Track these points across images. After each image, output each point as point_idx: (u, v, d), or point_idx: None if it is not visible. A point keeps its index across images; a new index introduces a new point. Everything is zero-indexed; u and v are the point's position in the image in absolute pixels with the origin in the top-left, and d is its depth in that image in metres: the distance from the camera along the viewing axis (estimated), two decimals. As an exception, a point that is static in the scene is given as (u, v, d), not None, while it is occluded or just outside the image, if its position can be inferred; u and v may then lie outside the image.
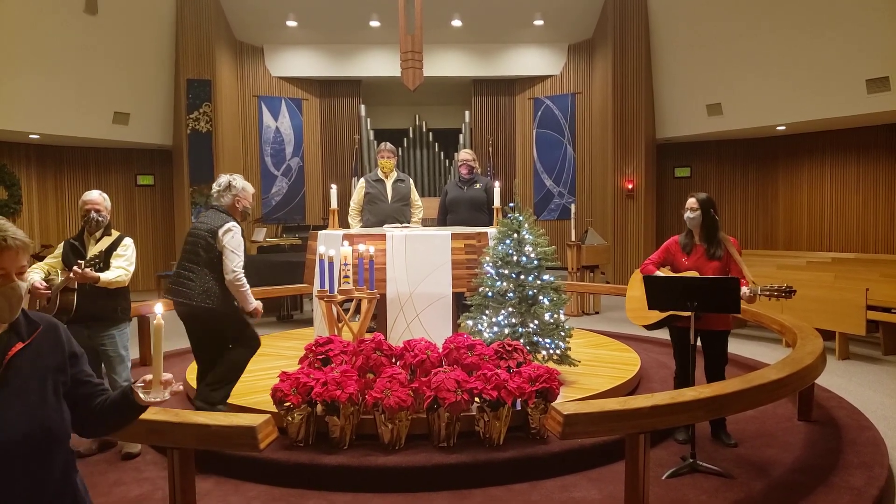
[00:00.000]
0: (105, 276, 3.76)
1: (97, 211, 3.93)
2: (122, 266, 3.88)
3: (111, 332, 3.94)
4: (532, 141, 12.71)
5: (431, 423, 3.69)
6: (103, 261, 3.85)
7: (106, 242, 3.94)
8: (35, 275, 3.81)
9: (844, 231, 10.71)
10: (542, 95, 12.60)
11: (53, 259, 3.94)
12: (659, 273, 4.05)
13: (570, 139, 12.46)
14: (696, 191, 4.20)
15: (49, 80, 9.31)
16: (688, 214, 4.03)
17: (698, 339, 3.98)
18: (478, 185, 6.44)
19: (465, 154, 6.57)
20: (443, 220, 6.59)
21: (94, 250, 3.88)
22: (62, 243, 4.01)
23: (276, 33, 11.86)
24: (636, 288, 4.23)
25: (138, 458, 3.91)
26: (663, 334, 4.38)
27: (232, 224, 3.97)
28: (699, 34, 10.32)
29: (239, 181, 4.11)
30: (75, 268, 3.61)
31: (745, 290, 3.74)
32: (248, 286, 3.97)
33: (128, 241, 4.01)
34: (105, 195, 4.07)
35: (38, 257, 10.15)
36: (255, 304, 4.02)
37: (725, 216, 12.00)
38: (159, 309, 1.78)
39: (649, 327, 4.16)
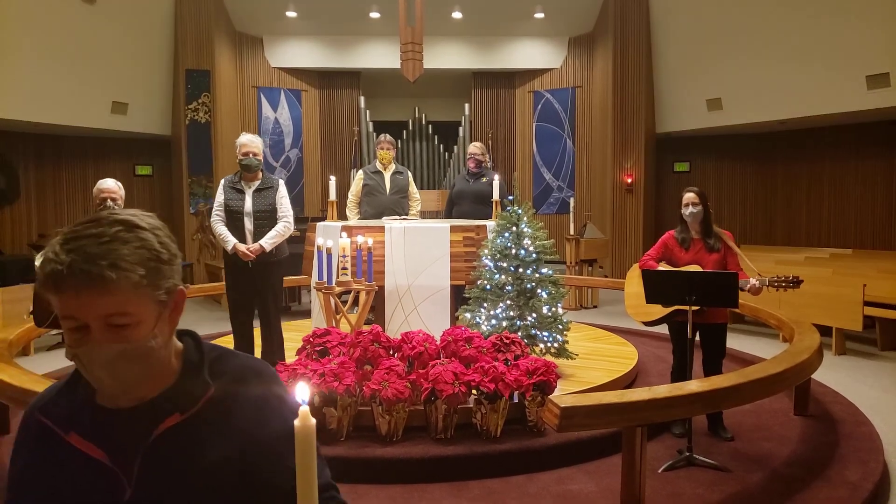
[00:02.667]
0: None
1: (113, 199, 3.96)
2: None
3: None
4: (532, 134, 12.69)
5: (429, 415, 3.69)
6: None
7: None
8: None
9: (843, 227, 10.71)
10: (543, 89, 12.56)
11: None
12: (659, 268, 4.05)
13: (570, 133, 12.44)
14: (694, 185, 4.20)
15: (47, 69, 9.26)
16: (690, 210, 4.01)
17: (696, 333, 3.99)
18: (484, 179, 6.41)
19: (472, 148, 6.53)
20: (449, 212, 6.59)
21: None
22: None
23: (275, 24, 11.81)
24: (635, 284, 4.22)
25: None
26: (661, 328, 4.38)
27: (221, 180, 4.73)
28: (700, 28, 10.29)
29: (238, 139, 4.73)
30: None
31: (753, 281, 3.75)
32: (221, 232, 4.59)
33: None
34: (119, 184, 4.09)
35: (36, 246, 10.14)
36: (230, 246, 4.55)
37: (725, 211, 12.00)
38: (304, 393, 0.93)
39: (650, 323, 4.15)
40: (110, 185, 4.01)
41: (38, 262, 3.49)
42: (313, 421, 0.89)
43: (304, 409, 0.90)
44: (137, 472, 1.01)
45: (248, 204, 4.63)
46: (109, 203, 3.95)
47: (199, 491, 1.02)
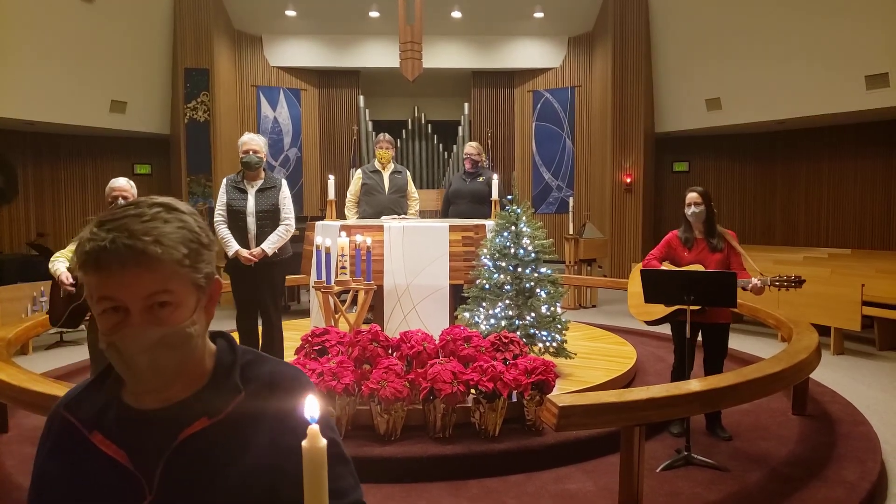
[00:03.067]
0: None
1: (125, 198, 3.96)
2: None
3: None
4: (531, 134, 12.69)
5: (427, 415, 3.69)
6: None
7: None
8: (60, 264, 3.86)
9: (841, 226, 10.72)
10: (542, 88, 12.56)
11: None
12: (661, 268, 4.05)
13: (569, 132, 12.44)
14: (694, 185, 4.20)
15: (45, 68, 9.26)
16: (692, 210, 4.00)
17: (699, 333, 3.99)
18: (481, 179, 6.42)
19: (469, 147, 6.54)
20: (445, 211, 6.59)
21: None
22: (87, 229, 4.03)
23: (274, 23, 11.80)
24: (637, 284, 4.22)
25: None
26: (661, 328, 4.38)
27: (223, 180, 4.72)
28: (699, 28, 10.29)
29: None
30: None
31: (755, 281, 3.74)
32: (224, 235, 4.57)
33: None
34: (132, 182, 4.09)
35: (35, 245, 10.13)
36: (232, 251, 4.53)
37: (724, 211, 12.01)
38: (314, 409, 0.84)
39: (652, 323, 4.14)
40: (122, 184, 4.02)
41: (52, 265, 3.42)
42: (324, 442, 0.81)
43: (314, 429, 0.80)
44: (159, 477, 0.96)
45: (251, 203, 4.59)
46: (121, 202, 3.94)
47: (221, 500, 0.97)
